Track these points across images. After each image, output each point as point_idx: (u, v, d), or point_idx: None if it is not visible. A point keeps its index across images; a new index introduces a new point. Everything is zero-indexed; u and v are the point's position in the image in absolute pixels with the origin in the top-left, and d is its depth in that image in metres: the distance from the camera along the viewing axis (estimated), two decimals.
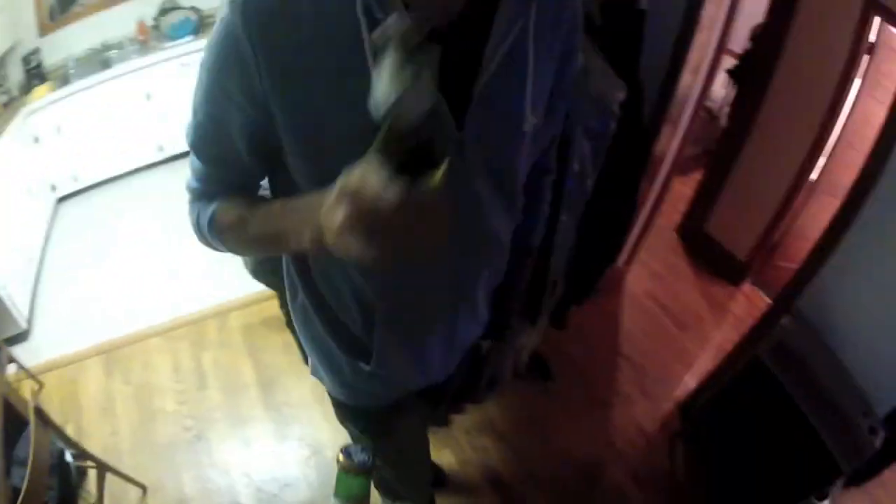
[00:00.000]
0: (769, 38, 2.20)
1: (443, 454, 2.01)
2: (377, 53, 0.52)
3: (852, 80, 2.04)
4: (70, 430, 1.68)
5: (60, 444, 1.64)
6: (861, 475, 2.05)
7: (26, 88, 2.94)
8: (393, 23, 0.51)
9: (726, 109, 2.88)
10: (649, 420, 2.16)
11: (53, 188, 3.15)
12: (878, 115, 1.49)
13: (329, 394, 1.06)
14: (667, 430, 2.13)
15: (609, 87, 1.45)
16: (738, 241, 2.52)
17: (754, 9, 2.25)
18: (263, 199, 0.78)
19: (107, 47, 3.10)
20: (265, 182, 0.79)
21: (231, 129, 0.67)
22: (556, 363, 2.22)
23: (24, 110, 2.87)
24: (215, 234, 0.75)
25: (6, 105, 2.84)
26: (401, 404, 1.05)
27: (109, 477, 1.75)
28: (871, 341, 1.49)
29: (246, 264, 1.43)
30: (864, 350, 1.50)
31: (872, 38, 2.02)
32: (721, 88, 2.90)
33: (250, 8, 0.58)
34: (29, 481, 1.30)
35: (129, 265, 2.78)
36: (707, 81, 2.09)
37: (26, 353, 2.22)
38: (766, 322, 1.78)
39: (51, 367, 2.27)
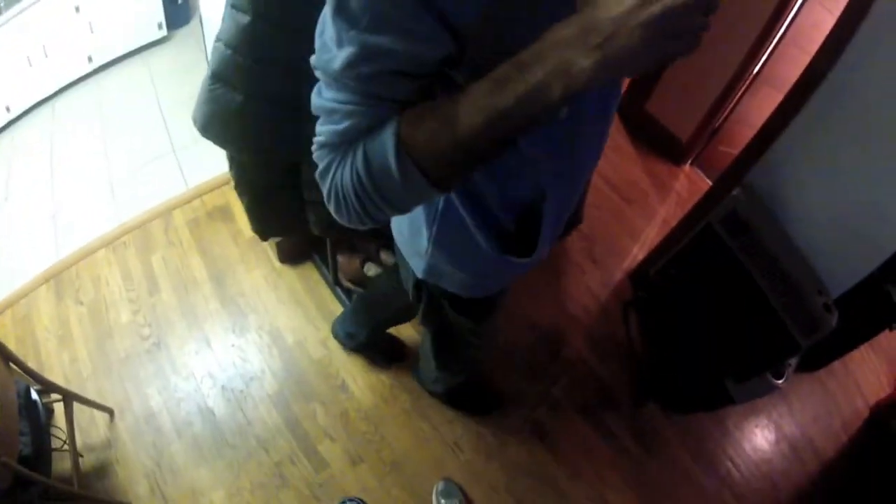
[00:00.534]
0: None
1: (404, 328, 2.05)
2: None
3: None
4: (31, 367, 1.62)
5: (24, 383, 1.58)
6: (816, 359, 2.15)
7: None
8: None
9: None
10: (602, 288, 2.25)
11: None
12: (827, 22, 1.47)
13: (444, 292, 1.03)
14: (619, 299, 2.22)
15: None
16: (679, 124, 2.56)
17: None
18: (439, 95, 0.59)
19: None
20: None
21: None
22: None
23: None
24: (404, 157, 0.55)
25: None
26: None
27: (77, 407, 1.72)
28: (823, 229, 1.50)
29: (195, 120, 1.36)
30: (816, 236, 1.51)
31: None
32: None
33: None
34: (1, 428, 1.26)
35: (68, 186, 2.65)
36: None
37: None
38: (717, 192, 1.78)
39: (1, 309, 2.17)
